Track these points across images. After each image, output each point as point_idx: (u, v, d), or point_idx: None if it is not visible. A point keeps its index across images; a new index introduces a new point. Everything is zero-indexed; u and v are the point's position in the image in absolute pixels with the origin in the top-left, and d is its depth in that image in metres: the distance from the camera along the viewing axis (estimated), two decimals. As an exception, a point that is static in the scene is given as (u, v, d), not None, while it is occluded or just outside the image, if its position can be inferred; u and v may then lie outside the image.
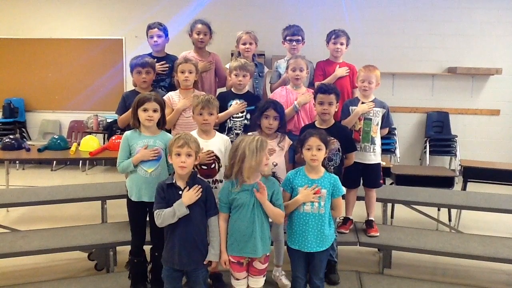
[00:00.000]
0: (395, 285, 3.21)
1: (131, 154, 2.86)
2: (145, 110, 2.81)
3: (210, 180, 2.87)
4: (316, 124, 3.18)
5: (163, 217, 2.44)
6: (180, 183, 2.51)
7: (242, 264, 2.54)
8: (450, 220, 4.59)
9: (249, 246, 2.48)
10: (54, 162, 7.17)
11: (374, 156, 3.46)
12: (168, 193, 2.49)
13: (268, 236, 2.57)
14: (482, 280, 3.61)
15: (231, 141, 2.80)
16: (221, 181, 2.91)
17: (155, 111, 2.83)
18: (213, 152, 2.86)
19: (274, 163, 3.02)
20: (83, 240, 3.46)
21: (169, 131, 3.21)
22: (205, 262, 2.53)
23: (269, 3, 7.10)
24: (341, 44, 3.81)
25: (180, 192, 2.47)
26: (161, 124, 2.92)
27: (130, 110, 2.91)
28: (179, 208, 2.42)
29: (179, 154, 2.46)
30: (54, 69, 7.48)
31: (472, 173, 4.91)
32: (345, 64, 3.86)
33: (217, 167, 2.89)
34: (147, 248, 3.08)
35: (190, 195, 2.45)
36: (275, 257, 3.11)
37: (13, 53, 7.48)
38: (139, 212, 2.95)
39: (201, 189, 2.49)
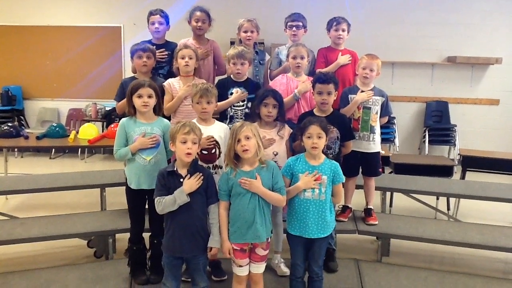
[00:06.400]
0: (393, 273, 3.23)
1: (127, 142, 2.86)
2: (139, 96, 2.79)
3: (211, 165, 2.87)
4: (315, 112, 3.17)
5: (164, 204, 2.44)
6: (182, 171, 2.50)
7: (245, 251, 2.54)
8: (448, 208, 4.61)
9: (251, 233, 2.48)
10: (53, 150, 7.17)
11: (373, 144, 3.45)
12: (169, 180, 2.49)
13: (269, 220, 2.57)
14: (480, 268, 3.64)
15: None
16: (221, 167, 2.90)
17: (150, 96, 2.81)
18: (213, 137, 2.85)
19: (275, 152, 3.02)
20: (82, 227, 3.47)
21: (168, 118, 3.20)
22: (208, 250, 2.54)
23: (269, -10, 7.05)
24: (343, 30, 3.79)
25: (181, 180, 2.47)
26: (157, 110, 2.91)
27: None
28: (180, 196, 2.42)
29: (185, 142, 2.45)
30: (52, 57, 7.44)
31: (471, 163, 4.92)
32: (346, 51, 3.84)
33: (217, 153, 2.89)
34: (146, 235, 3.08)
35: (191, 183, 2.45)
36: (274, 243, 3.11)
37: (10, 40, 7.42)
38: (138, 200, 2.95)
39: (202, 177, 2.48)
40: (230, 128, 3.02)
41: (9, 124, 4.91)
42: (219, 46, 4.02)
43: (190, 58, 3.29)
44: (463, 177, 4.90)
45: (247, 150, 2.45)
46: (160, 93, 2.96)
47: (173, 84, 3.32)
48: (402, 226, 3.59)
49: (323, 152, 2.67)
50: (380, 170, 3.71)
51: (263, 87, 3.50)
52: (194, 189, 2.45)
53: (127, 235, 3.12)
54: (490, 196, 3.95)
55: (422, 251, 3.85)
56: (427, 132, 6.90)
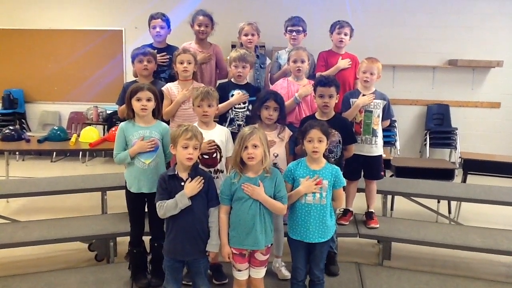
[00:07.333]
0: (395, 276, 3.23)
1: (127, 145, 2.86)
2: (138, 99, 2.81)
3: (212, 170, 2.88)
4: (317, 115, 3.17)
5: (165, 208, 2.45)
6: (182, 174, 2.50)
7: (244, 256, 2.54)
8: (449, 212, 4.59)
9: (250, 239, 2.48)
10: (54, 153, 7.21)
11: (375, 148, 3.45)
12: (170, 184, 2.49)
13: (270, 228, 2.56)
14: (481, 272, 3.63)
15: (235, 132, 2.80)
16: (222, 171, 2.91)
17: (148, 100, 2.82)
18: (214, 141, 2.85)
19: (275, 154, 3.02)
20: (83, 230, 3.47)
21: (167, 122, 3.20)
22: (207, 254, 2.54)
23: (270, -6, 7.07)
24: (345, 34, 3.78)
25: (182, 184, 2.48)
26: (156, 113, 2.92)
27: None
28: (181, 200, 2.42)
29: (186, 147, 2.46)
30: (54, 60, 7.45)
31: (472, 166, 4.92)
32: (347, 55, 3.84)
33: (218, 157, 2.89)
34: (146, 239, 3.08)
35: (192, 187, 2.45)
36: (274, 248, 3.11)
37: (12, 44, 7.43)
38: (138, 203, 2.96)
39: (203, 181, 2.49)
40: (230, 131, 3.04)
41: (11, 127, 4.92)
42: (221, 50, 4.03)
43: (189, 63, 3.28)
44: (464, 180, 4.89)
45: (252, 158, 2.45)
46: (160, 97, 2.96)
47: (171, 89, 3.32)
48: (403, 230, 3.59)
49: (325, 156, 2.67)
50: (382, 173, 3.70)
51: (263, 91, 3.50)
52: (195, 192, 2.45)
53: (128, 238, 3.12)
54: (492, 200, 3.94)
55: (424, 254, 3.84)
56: (428, 135, 6.90)
